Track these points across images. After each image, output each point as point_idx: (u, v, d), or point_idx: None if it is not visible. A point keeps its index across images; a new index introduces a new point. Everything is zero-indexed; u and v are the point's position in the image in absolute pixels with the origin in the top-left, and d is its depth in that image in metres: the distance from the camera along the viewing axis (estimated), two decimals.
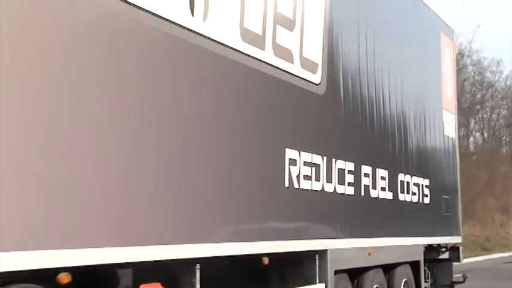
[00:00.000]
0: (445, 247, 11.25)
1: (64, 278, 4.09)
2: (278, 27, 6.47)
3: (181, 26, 5.16)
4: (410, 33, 9.98)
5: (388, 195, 8.85)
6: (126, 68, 4.64)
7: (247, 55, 5.99)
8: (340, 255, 7.42)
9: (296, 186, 6.66)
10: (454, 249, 11.43)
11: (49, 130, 4.02)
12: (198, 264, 5.33)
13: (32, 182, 3.89)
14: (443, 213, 10.94)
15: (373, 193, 8.39)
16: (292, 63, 6.72)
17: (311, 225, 7.02)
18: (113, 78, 4.51)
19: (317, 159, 7.04)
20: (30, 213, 3.85)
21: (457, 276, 11.52)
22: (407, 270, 9.56)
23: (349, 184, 7.76)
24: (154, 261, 4.79)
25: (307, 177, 6.85)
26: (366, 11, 8.44)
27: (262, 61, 6.21)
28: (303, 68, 6.90)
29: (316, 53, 7.17)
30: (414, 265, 9.76)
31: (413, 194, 9.70)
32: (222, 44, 5.65)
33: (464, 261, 24.90)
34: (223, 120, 5.66)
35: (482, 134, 48.08)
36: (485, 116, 47.85)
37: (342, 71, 7.72)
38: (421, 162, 10.10)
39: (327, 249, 7.16)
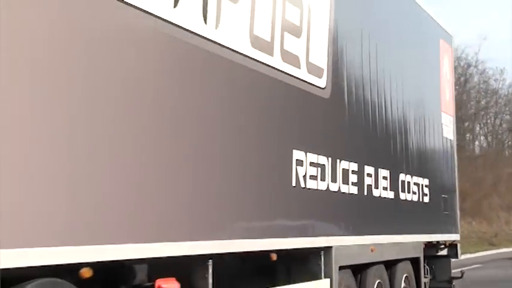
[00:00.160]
0: (444, 244, 11.24)
1: (86, 272, 4.12)
2: (286, 34, 6.51)
3: (194, 33, 5.20)
4: (410, 40, 10.00)
5: (390, 194, 8.87)
6: (145, 71, 4.68)
7: (257, 61, 6.03)
8: (344, 251, 7.44)
9: (303, 185, 6.69)
10: (452, 246, 11.43)
11: (74, 131, 4.07)
12: (210, 260, 5.35)
13: (58, 181, 3.93)
14: (442, 212, 10.96)
15: (376, 192, 8.42)
16: (299, 68, 6.76)
17: (317, 223, 7.04)
18: (132, 81, 4.55)
19: (322, 159, 7.08)
20: (56, 212, 3.89)
21: (455, 271, 11.54)
22: (408, 266, 9.56)
23: (353, 184, 7.79)
24: (169, 257, 4.83)
25: (313, 177, 6.88)
26: (369, 20, 8.47)
27: (270, 66, 6.25)
28: (309, 73, 6.93)
29: (321, 58, 7.21)
30: (414, 261, 9.75)
31: (414, 193, 9.72)
32: (233, 50, 5.68)
33: (475, 254, 28.30)
34: (235, 122, 5.70)
35: (486, 138, 49.86)
36: (489, 121, 49.55)
37: (346, 76, 7.76)
38: (421, 163, 10.12)
39: (331, 246, 7.17)
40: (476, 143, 49.42)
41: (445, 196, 11.10)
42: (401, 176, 9.28)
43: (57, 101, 3.96)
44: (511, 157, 48.81)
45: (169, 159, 4.89)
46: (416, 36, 10.30)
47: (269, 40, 6.23)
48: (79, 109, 4.12)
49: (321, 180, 7.03)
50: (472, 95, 47.46)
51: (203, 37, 5.30)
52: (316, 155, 6.94)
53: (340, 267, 7.35)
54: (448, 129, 11.50)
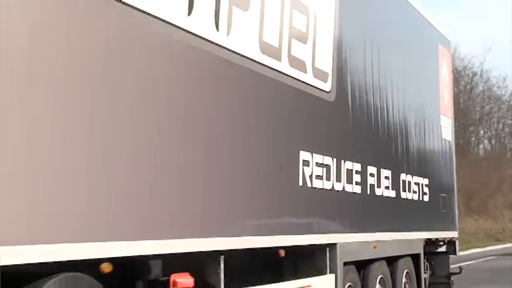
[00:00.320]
0: (443, 241, 11.27)
1: (106, 267, 4.16)
2: (293, 40, 6.54)
3: (207, 40, 5.24)
4: (411, 46, 10.04)
5: (391, 193, 8.90)
6: (161, 75, 4.73)
7: (266, 66, 6.07)
8: (348, 248, 7.48)
9: (309, 185, 6.73)
10: (450, 242, 11.46)
11: (93, 134, 4.11)
12: (222, 256, 5.39)
13: (78, 182, 3.98)
14: (441, 210, 10.98)
15: (378, 191, 8.45)
16: (306, 73, 6.79)
17: (322, 220, 7.08)
18: (148, 84, 4.60)
19: (328, 160, 7.12)
20: (77, 211, 3.94)
21: (453, 267, 11.57)
22: (409, 262, 9.59)
23: (357, 183, 7.82)
24: (183, 253, 4.87)
25: (318, 177, 6.91)
26: (371, 27, 8.51)
27: (278, 71, 6.28)
28: (315, 77, 6.97)
29: (326, 63, 7.24)
30: (415, 257, 9.78)
31: (414, 192, 9.75)
32: (243, 56, 5.72)
33: (484, 249, 31.02)
34: (245, 124, 5.74)
35: (490, 141, 51.82)
36: (493, 126, 51.36)
37: (349, 80, 7.79)
38: (421, 163, 10.15)
39: (336, 243, 7.21)
40: (481, 146, 51.57)
41: (444, 195, 11.12)
42: (403, 176, 9.32)
43: (77, 103, 4.00)
44: None
45: (183, 160, 4.93)
46: (416, 42, 10.34)
47: (277, 46, 6.27)
48: (99, 111, 4.16)
49: (326, 179, 7.06)
50: (476, 102, 49.68)
51: (215, 43, 5.34)
52: (321, 156, 6.97)
53: (345, 263, 7.39)
54: (447, 131, 11.52)
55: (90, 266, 4.10)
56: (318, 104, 7.06)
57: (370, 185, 8.21)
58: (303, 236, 6.63)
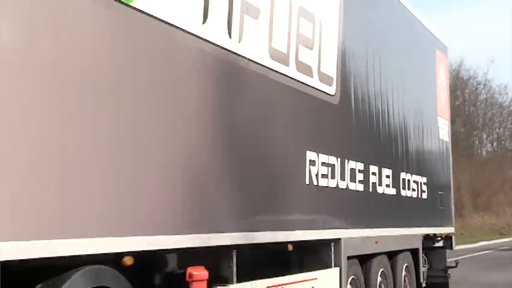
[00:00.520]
0: (440, 236, 11.29)
1: (128, 260, 4.21)
2: (300, 46, 6.59)
3: (220, 47, 5.29)
4: (410, 52, 10.07)
5: (392, 191, 8.94)
6: (178, 80, 4.79)
7: (275, 71, 6.11)
8: (352, 243, 7.51)
9: (315, 183, 6.77)
10: (447, 238, 11.47)
11: (119, 132, 4.17)
12: (234, 250, 5.44)
13: (105, 182, 4.03)
14: (439, 207, 11.01)
15: (380, 189, 8.49)
16: (312, 77, 6.84)
17: (327, 217, 7.11)
18: (163, 88, 4.64)
19: (332, 160, 7.16)
20: (103, 207, 4.00)
21: (450, 261, 11.60)
22: (408, 256, 9.63)
23: (360, 182, 7.86)
24: (199, 247, 4.92)
25: (324, 176, 6.96)
26: (373, 33, 8.55)
27: (286, 76, 6.33)
28: (320, 81, 7.01)
29: (331, 68, 7.28)
30: (414, 252, 9.82)
31: (413, 190, 9.78)
32: (254, 62, 5.77)
33: (490, 242, 33.41)
34: (256, 126, 5.79)
35: (492, 144, 55.05)
36: (495, 130, 54.72)
37: (353, 84, 7.83)
38: (420, 162, 10.19)
39: (340, 238, 7.25)
40: (484, 149, 54.85)
41: (441, 193, 11.15)
42: (402, 175, 9.35)
43: (104, 105, 4.06)
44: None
45: (198, 160, 4.98)
46: (415, 48, 10.37)
47: (285, 52, 6.31)
48: (124, 110, 4.22)
49: (331, 178, 7.10)
50: (480, 108, 53.15)
51: (228, 50, 5.39)
52: (327, 156, 7.02)
53: (348, 257, 7.42)
54: (444, 132, 11.55)
55: (112, 260, 4.15)
56: (323, 107, 7.11)
57: (372, 183, 8.25)
58: (309, 231, 6.68)
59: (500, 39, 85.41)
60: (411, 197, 9.68)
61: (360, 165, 7.88)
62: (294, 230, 6.36)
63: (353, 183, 7.67)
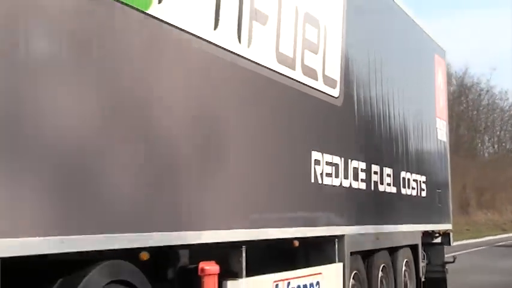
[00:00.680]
0: (438, 233, 11.31)
1: (144, 255, 4.26)
2: (306, 51, 6.63)
3: (230, 51, 5.34)
4: (410, 56, 10.10)
5: (393, 189, 8.97)
6: (191, 83, 4.85)
7: (282, 74, 6.15)
8: (354, 239, 7.55)
9: (320, 182, 6.81)
10: (445, 234, 11.49)
11: (149, 132, 4.23)
12: (243, 246, 5.48)
13: (123, 183, 4.09)
14: (437, 205, 11.03)
15: (381, 188, 8.52)
16: (317, 80, 6.88)
17: (331, 214, 7.16)
18: (180, 92, 4.71)
19: (336, 159, 7.20)
20: (122, 209, 4.06)
21: (447, 256, 11.64)
22: (408, 252, 9.66)
23: (362, 180, 7.90)
24: (210, 243, 4.98)
25: (328, 175, 7.00)
26: (374, 38, 8.58)
27: (293, 79, 6.37)
28: (325, 84, 7.05)
29: (335, 71, 7.32)
30: (413, 248, 9.85)
31: (413, 188, 9.81)
32: (262, 66, 5.81)
33: (495, 237, 35.18)
34: (264, 128, 5.84)
35: (493, 146, 57.83)
36: (496, 133, 57.48)
37: (355, 87, 7.87)
38: (419, 162, 10.22)
39: (344, 235, 7.28)
40: (486, 150, 57.57)
41: (440, 191, 11.18)
42: (403, 174, 9.39)
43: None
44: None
45: (210, 161, 5.03)
46: (414, 52, 10.41)
47: (292, 56, 6.36)
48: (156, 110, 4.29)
49: (335, 177, 7.15)
50: (482, 113, 55.54)
51: (237, 54, 5.43)
52: (331, 156, 7.06)
53: (351, 253, 7.46)
54: (442, 132, 11.58)
55: (130, 255, 4.19)
56: (328, 109, 7.15)
57: (374, 182, 8.29)
58: (314, 228, 6.71)
59: (502, 48, 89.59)
60: (411, 195, 9.71)
61: (363, 165, 7.92)
62: (300, 226, 6.40)
63: (356, 182, 7.70)
